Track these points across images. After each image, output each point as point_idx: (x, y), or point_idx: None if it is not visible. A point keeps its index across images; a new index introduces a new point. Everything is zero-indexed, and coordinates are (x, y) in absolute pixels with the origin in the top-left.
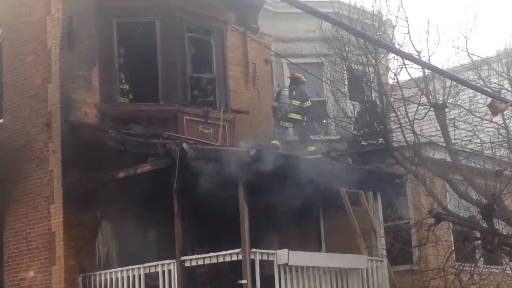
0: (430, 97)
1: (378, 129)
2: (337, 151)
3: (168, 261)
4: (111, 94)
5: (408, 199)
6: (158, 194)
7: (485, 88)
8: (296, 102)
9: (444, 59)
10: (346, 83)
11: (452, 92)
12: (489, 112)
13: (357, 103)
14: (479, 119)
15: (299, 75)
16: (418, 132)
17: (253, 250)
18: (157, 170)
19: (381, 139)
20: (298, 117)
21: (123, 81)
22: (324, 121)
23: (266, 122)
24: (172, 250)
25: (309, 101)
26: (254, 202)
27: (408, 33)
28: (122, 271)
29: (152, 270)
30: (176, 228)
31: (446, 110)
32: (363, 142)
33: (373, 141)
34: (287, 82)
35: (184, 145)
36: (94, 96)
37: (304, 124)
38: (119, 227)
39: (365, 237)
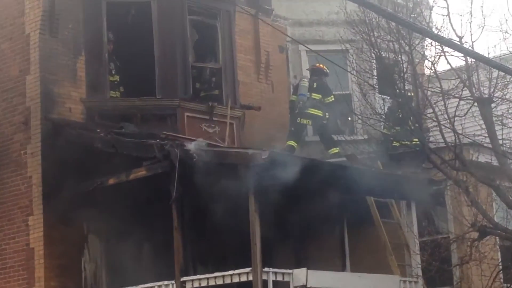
0: (474, 90)
1: (413, 127)
2: (364, 153)
3: (166, 282)
4: (99, 87)
5: (447, 210)
6: (154, 204)
7: None
8: (316, 96)
9: (490, 46)
10: (375, 74)
11: (500, 84)
12: None
13: (388, 98)
14: None
15: (322, 66)
16: (460, 131)
17: (266, 269)
18: (153, 176)
19: (416, 140)
20: (319, 113)
21: (113, 72)
22: (349, 118)
23: (280, 119)
24: (171, 269)
25: (333, 96)
26: (267, 213)
27: (448, 15)
28: None
29: None
30: (175, 243)
31: (493, 105)
32: (394, 143)
33: (406, 142)
34: (306, 73)
35: (186, 146)
36: (80, 89)
37: (325, 121)
38: (109, 242)
39: (396, 254)
